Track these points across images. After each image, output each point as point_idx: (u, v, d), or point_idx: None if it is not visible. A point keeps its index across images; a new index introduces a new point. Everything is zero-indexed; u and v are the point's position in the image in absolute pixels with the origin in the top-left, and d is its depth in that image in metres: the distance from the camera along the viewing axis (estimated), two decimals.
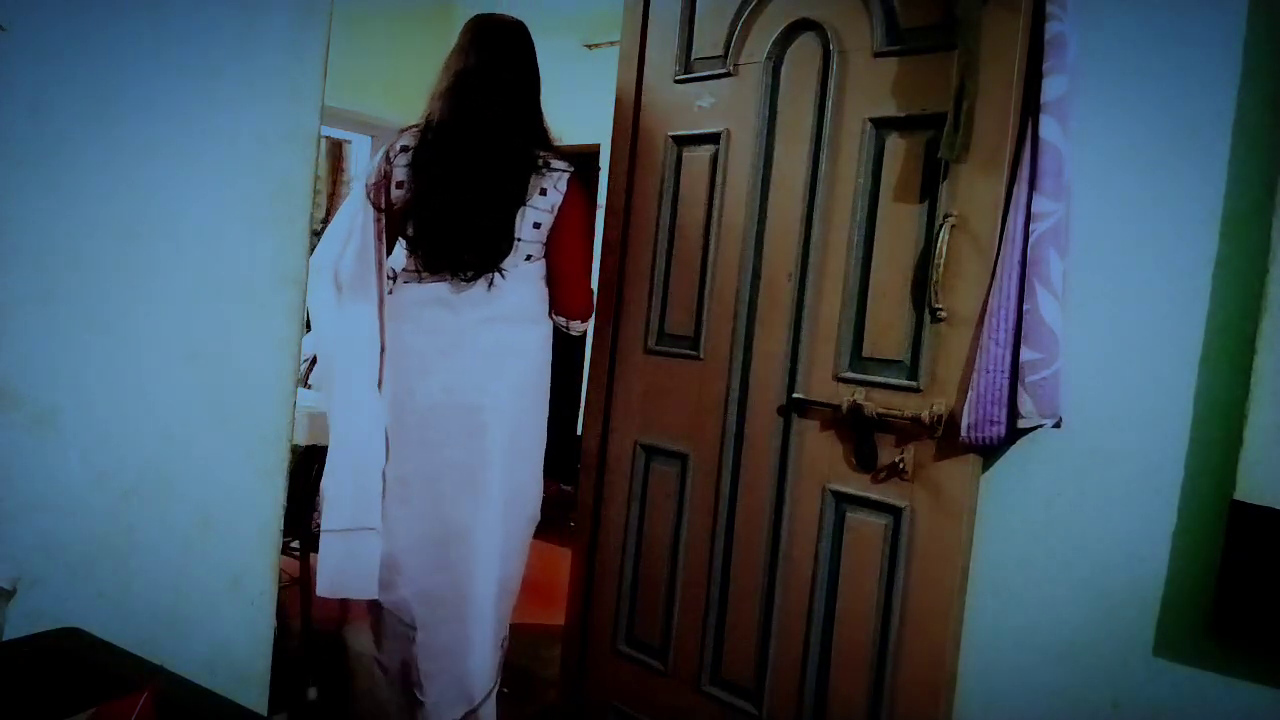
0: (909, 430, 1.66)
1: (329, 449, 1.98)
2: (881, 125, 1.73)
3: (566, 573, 2.28)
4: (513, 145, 1.95)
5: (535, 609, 2.95)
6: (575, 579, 2.25)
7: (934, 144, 1.63)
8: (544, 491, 2.17)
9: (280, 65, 1.49)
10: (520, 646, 2.66)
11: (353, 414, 1.98)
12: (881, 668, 1.70)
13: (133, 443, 1.37)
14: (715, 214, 1.98)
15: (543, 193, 1.97)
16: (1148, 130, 1.49)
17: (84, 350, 1.31)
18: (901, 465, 1.67)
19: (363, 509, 1.96)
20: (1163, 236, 1.47)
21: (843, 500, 1.77)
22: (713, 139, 1.99)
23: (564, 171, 1.99)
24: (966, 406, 1.55)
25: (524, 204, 1.95)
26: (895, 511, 1.69)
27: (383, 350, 2.00)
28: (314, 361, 2.76)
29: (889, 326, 1.71)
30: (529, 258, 2.00)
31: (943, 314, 1.62)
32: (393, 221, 2.02)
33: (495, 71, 1.98)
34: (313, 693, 2.56)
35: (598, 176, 3.90)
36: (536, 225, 1.97)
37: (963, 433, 1.56)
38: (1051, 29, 1.49)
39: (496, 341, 2.00)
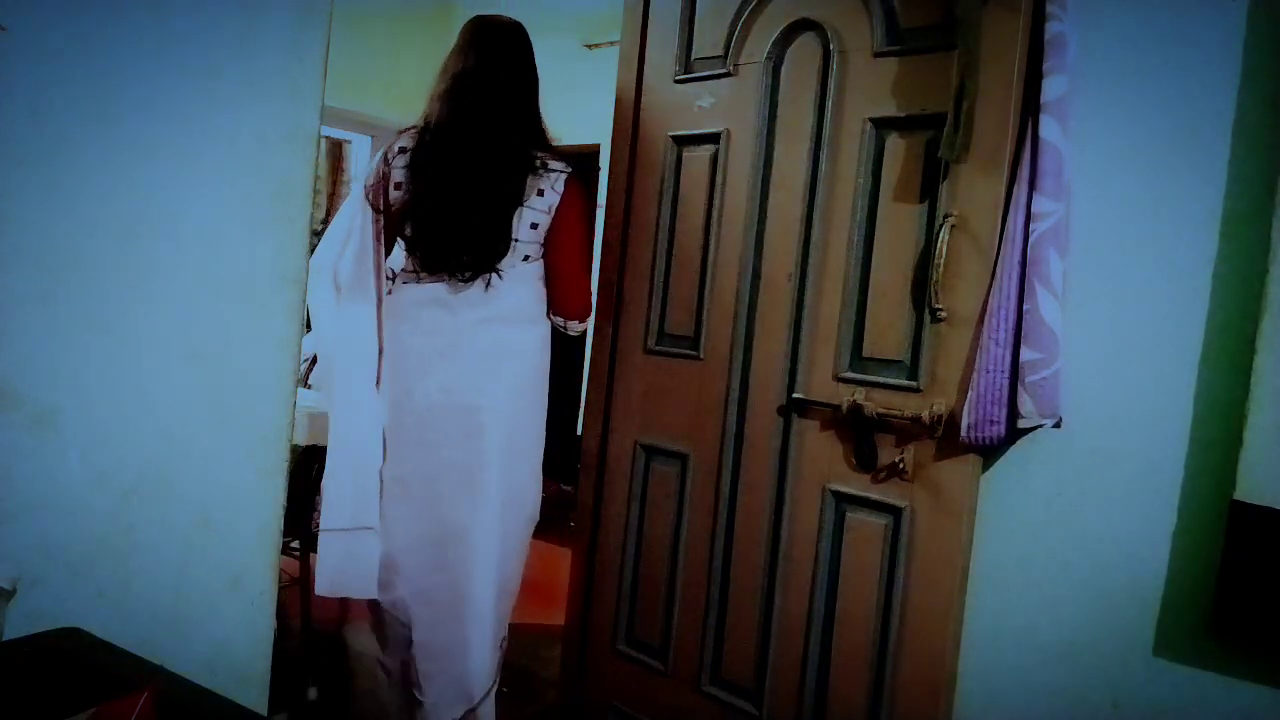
0: (909, 430, 1.66)
1: (328, 449, 1.99)
2: (881, 125, 1.73)
3: (566, 573, 2.28)
4: (510, 146, 1.96)
5: (535, 609, 2.95)
6: (575, 579, 2.25)
7: (934, 144, 1.63)
8: (544, 491, 2.17)
9: (280, 65, 1.49)
10: (520, 646, 2.66)
11: (351, 414, 1.99)
12: (881, 668, 1.70)
13: (133, 443, 1.37)
14: (715, 214, 1.98)
15: (540, 193, 1.97)
16: (1148, 130, 1.49)
17: (84, 350, 1.31)
18: (901, 465, 1.67)
19: (361, 509, 1.97)
20: (1163, 236, 1.47)
21: (843, 500, 1.77)
22: (713, 139, 1.99)
23: (561, 172, 1.99)
24: (966, 406, 1.55)
25: (521, 205, 1.95)
26: (895, 511, 1.69)
27: (381, 351, 2.01)
28: (314, 361, 2.77)
29: (889, 326, 1.71)
30: (527, 258, 2.00)
31: (943, 314, 1.62)
32: (391, 222, 2.02)
33: (493, 73, 1.98)
34: (313, 693, 2.56)
35: (598, 176, 3.90)
36: (534, 226, 1.98)
37: (963, 433, 1.56)
38: (1051, 29, 1.49)
39: (494, 342, 2.00)
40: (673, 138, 2.07)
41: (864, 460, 1.73)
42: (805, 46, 1.85)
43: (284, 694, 2.23)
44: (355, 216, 2.04)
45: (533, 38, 2.11)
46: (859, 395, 1.72)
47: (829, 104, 1.80)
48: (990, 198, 1.56)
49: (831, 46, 1.80)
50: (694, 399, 2.00)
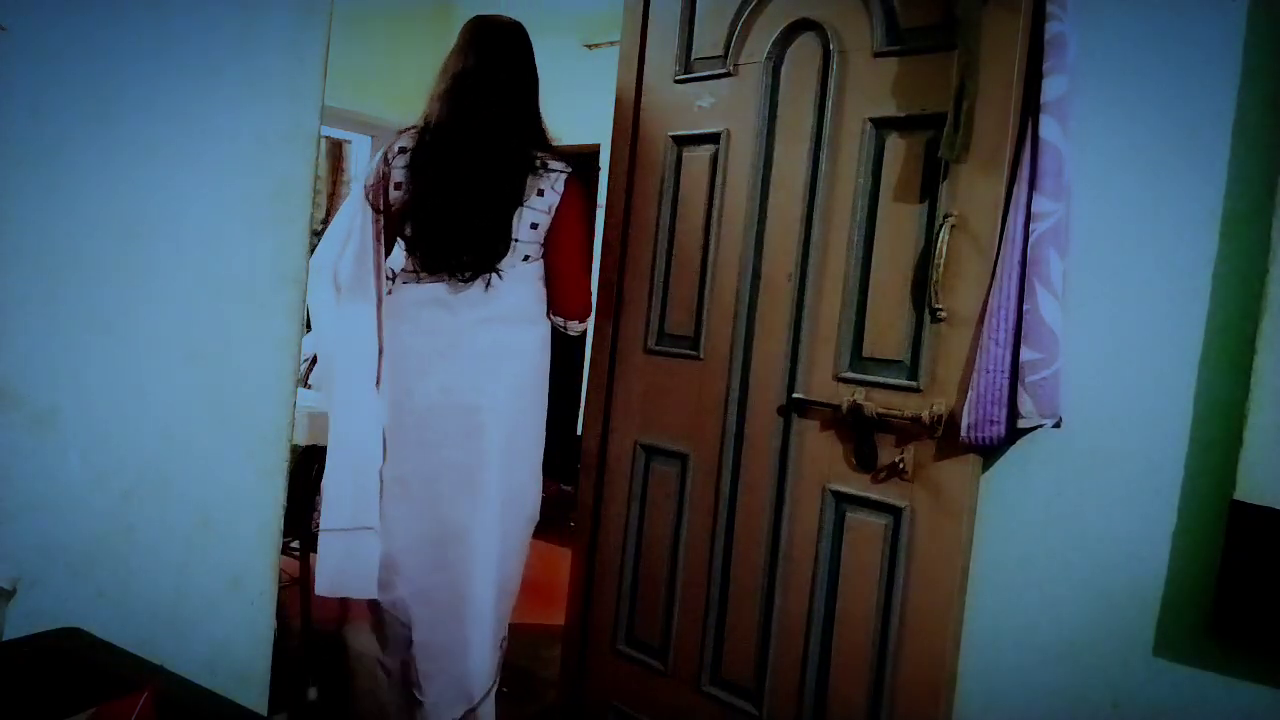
0: (909, 430, 1.66)
1: (328, 449, 1.99)
2: (881, 125, 1.73)
3: (566, 573, 2.28)
4: (510, 146, 1.96)
5: (535, 609, 2.95)
6: (575, 579, 2.25)
7: (934, 144, 1.63)
8: (544, 491, 2.17)
9: (280, 65, 1.49)
10: (520, 646, 2.66)
11: (351, 414, 1.99)
12: (881, 668, 1.70)
13: (133, 443, 1.37)
14: (715, 214, 1.98)
15: (540, 193, 1.97)
16: (1148, 130, 1.49)
17: (84, 350, 1.31)
18: (901, 465, 1.67)
19: (361, 509, 1.97)
20: (1163, 236, 1.47)
21: (843, 500, 1.77)
22: (713, 139, 1.99)
23: (561, 172, 1.99)
24: (966, 406, 1.55)
25: (521, 205, 1.95)
26: (895, 511, 1.69)
27: (380, 351, 2.01)
28: (314, 361, 2.77)
29: (889, 326, 1.71)
30: (527, 258, 2.00)
31: (943, 314, 1.62)
32: (391, 223, 2.02)
33: (493, 73, 1.98)
34: (313, 693, 2.56)
35: (598, 176, 3.90)
36: (534, 226, 1.98)
37: (963, 433, 1.56)
38: (1051, 29, 1.49)
39: (494, 342, 2.00)
40: (673, 138, 2.07)
41: (864, 460, 1.73)
42: (805, 46, 1.85)
43: (284, 694, 2.23)
44: (355, 216, 2.04)
45: (533, 38, 2.11)
46: (859, 395, 1.72)
47: (829, 104, 1.80)
48: (990, 198, 1.56)
49: (831, 46, 1.80)
50: (694, 399, 2.00)
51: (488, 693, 2.04)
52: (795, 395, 1.82)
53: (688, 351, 2.02)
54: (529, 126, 2.01)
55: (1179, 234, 1.45)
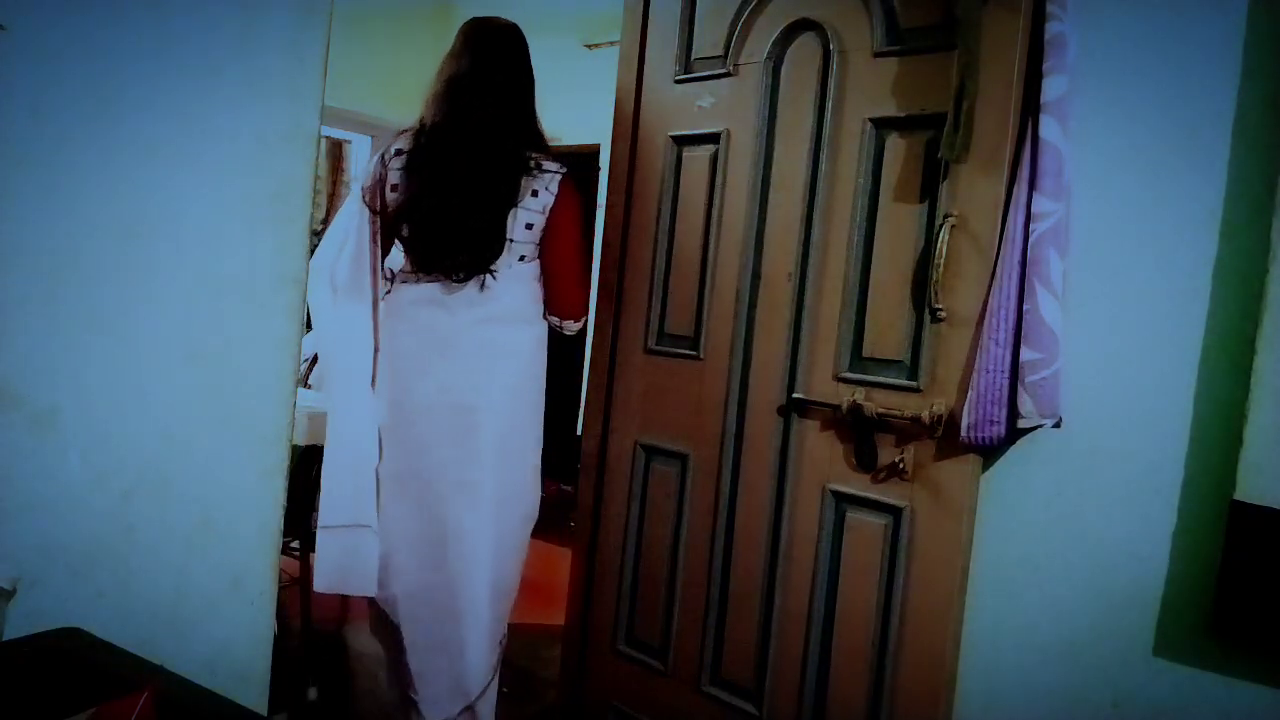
0: (909, 430, 1.66)
1: (325, 447, 2.00)
2: (881, 125, 1.73)
3: (566, 573, 2.28)
4: (504, 148, 1.97)
5: (535, 609, 2.96)
6: (575, 579, 2.25)
7: (934, 144, 1.63)
8: (544, 491, 2.17)
9: (280, 65, 1.49)
10: (520, 646, 2.66)
11: (348, 413, 2.01)
12: (881, 668, 1.70)
13: (133, 443, 1.37)
14: (715, 214, 1.98)
15: (534, 194, 1.97)
16: (1148, 130, 1.49)
17: (84, 350, 1.31)
18: (901, 465, 1.67)
19: (359, 507, 1.98)
20: (1163, 237, 1.47)
21: (843, 500, 1.77)
22: (713, 139, 1.99)
23: (556, 173, 2.00)
24: (966, 406, 1.55)
25: (516, 205, 1.96)
26: (895, 511, 1.69)
27: (376, 350, 2.02)
28: (314, 361, 2.77)
29: (889, 326, 1.71)
30: (522, 258, 2.01)
31: (943, 314, 1.62)
32: (388, 223, 2.03)
33: (488, 75, 2.00)
34: (313, 693, 2.56)
35: (598, 176, 3.91)
36: (529, 226, 1.98)
37: (963, 433, 1.56)
38: (1051, 29, 1.49)
39: (490, 342, 2.01)
40: (673, 138, 2.07)
41: (864, 460, 1.73)
42: (805, 46, 1.85)
43: (284, 694, 2.23)
44: (353, 217, 2.05)
45: (533, 38, 2.11)
46: (859, 395, 1.72)
47: (829, 104, 1.80)
48: (990, 198, 1.56)
49: (831, 46, 1.80)
50: (694, 399, 2.00)
51: (485, 690, 2.05)
52: (795, 395, 1.82)
53: (688, 351, 2.02)
54: (524, 128, 2.02)
55: (1179, 234, 1.45)
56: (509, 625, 2.17)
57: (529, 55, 2.08)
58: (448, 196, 1.94)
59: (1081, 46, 1.52)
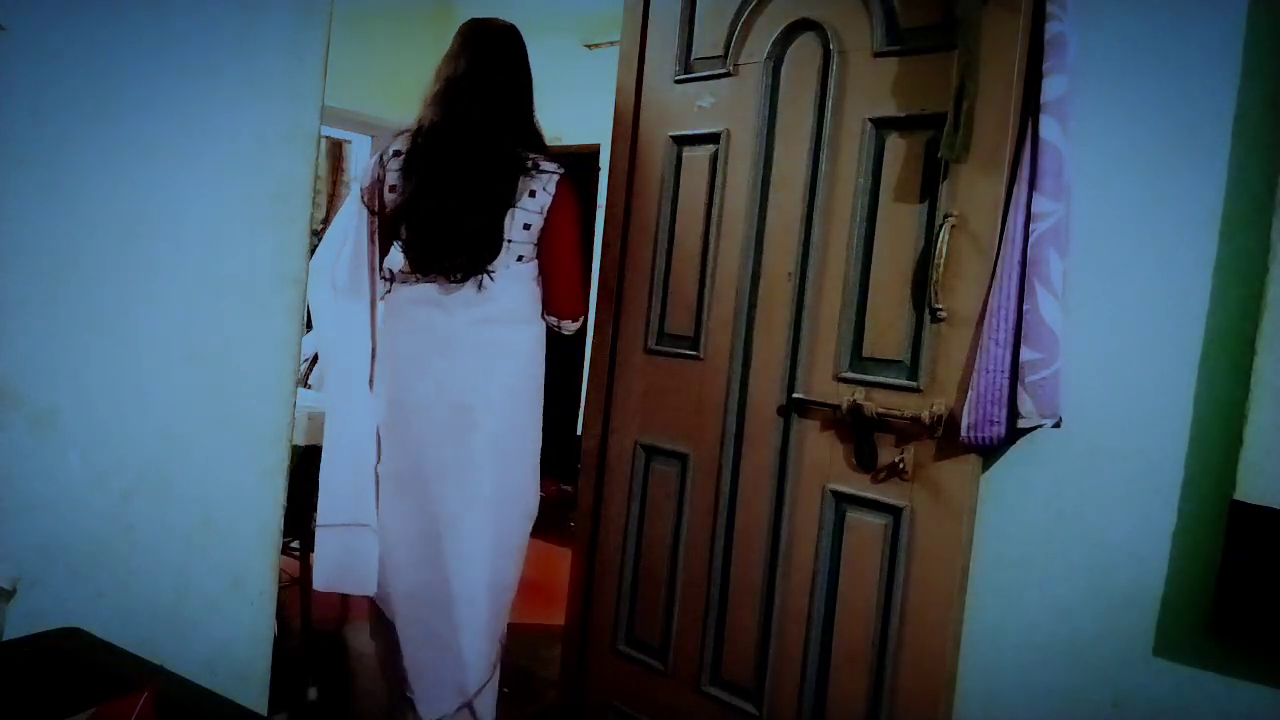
0: (909, 430, 1.66)
1: (324, 446, 2.01)
2: (881, 125, 1.73)
3: (566, 573, 2.28)
4: (502, 148, 1.97)
5: (535, 609, 2.96)
6: (575, 579, 2.25)
7: (934, 144, 1.63)
8: (544, 491, 2.18)
9: (280, 65, 1.49)
10: (520, 646, 2.66)
11: (346, 412, 2.02)
12: (881, 667, 1.70)
13: (133, 443, 1.37)
14: (715, 214, 1.98)
15: (532, 195, 1.98)
16: (1148, 130, 1.49)
17: (84, 350, 1.31)
18: (901, 465, 1.67)
19: (358, 505, 1.99)
20: (1163, 236, 1.47)
21: (843, 500, 1.77)
22: (713, 139, 1.99)
23: (553, 173, 2.00)
24: (966, 406, 1.55)
25: (513, 206, 1.97)
26: (895, 511, 1.69)
27: (374, 350, 2.03)
28: (314, 361, 2.77)
29: (889, 326, 1.71)
30: (520, 258, 2.01)
31: (943, 314, 1.62)
32: (386, 224, 2.04)
33: (485, 76, 2.00)
34: (313, 693, 2.56)
35: (598, 176, 3.90)
36: (526, 226, 1.99)
37: (963, 433, 1.56)
38: (1051, 29, 1.49)
39: (488, 342, 2.01)
40: (673, 138, 2.07)
41: (864, 460, 1.73)
42: (805, 46, 1.85)
43: (284, 694, 2.23)
44: (352, 218, 2.06)
45: (533, 38, 2.11)
46: (859, 395, 1.72)
47: (829, 104, 1.80)
48: (990, 198, 1.56)
49: (831, 46, 1.80)
50: (694, 399, 2.00)
51: (483, 687, 2.05)
52: (795, 395, 1.82)
53: (688, 351, 2.02)
54: (522, 128, 2.03)
55: (1179, 234, 1.45)
56: (509, 625, 2.17)
57: (527, 56, 2.08)
58: (445, 197, 1.95)
59: (1081, 46, 1.52)
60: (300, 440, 2.32)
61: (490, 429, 2.00)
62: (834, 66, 1.80)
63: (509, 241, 1.97)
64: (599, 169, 3.89)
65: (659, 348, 2.09)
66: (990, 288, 1.54)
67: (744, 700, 1.90)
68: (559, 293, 2.07)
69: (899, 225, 1.70)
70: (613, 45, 2.65)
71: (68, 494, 1.31)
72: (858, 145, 1.75)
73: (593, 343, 2.26)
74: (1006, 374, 1.51)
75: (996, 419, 1.52)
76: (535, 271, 2.06)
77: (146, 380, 1.38)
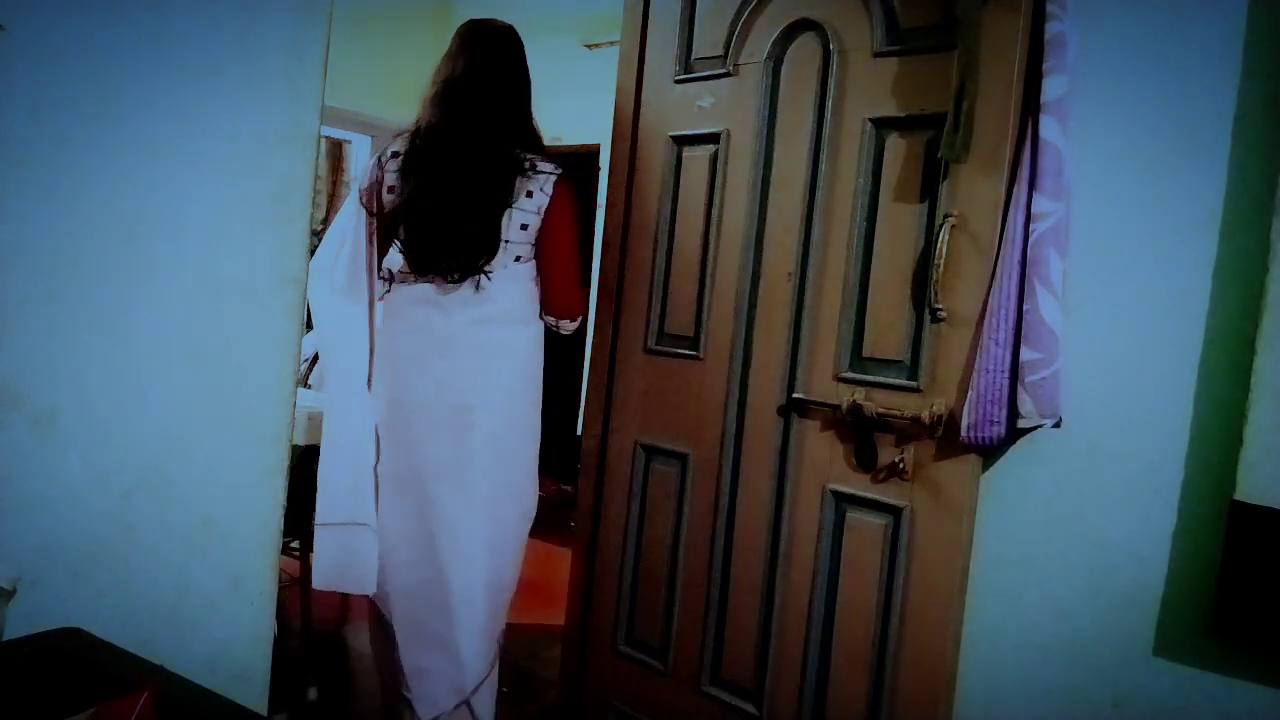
0: (909, 430, 1.66)
1: (322, 445, 2.01)
2: (881, 125, 1.73)
3: (566, 573, 2.28)
4: (500, 149, 1.97)
5: (535, 609, 2.96)
6: (575, 579, 2.25)
7: (934, 144, 1.63)
8: (543, 491, 2.18)
9: (280, 65, 1.49)
10: (520, 646, 2.67)
11: (345, 412, 2.02)
12: (881, 667, 1.70)
13: (133, 443, 1.37)
14: (715, 214, 1.98)
15: (529, 195, 1.98)
16: (1148, 130, 1.49)
17: (84, 350, 1.31)
18: (901, 465, 1.67)
19: (357, 505, 2.00)
20: (1163, 237, 1.47)
21: (843, 500, 1.77)
22: (713, 139, 1.99)
23: (551, 174, 2.01)
24: (966, 406, 1.55)
25: (510, 206, 1.97)
26: (895, 511, 1.69)
27: (372, 350, 2.03)
28: (314, 361, 2.77)
29: (889, 326, 1.71)
30: (518, 259, 2.01)
31: (943, 314, 1.62)
32: (384, 225, 2.04)
33: (483, 77, 2.00)
34: (313, 693, 2.56)
35: (598, 176, 3.90)
36: (524, 227, 1.99)
37: (963, 433, 1.56)
38: (1051, 29, 1.49)
39: (486, 342, 2.02)
40: (673, 138, 2.07)
41: (864, 460, 1.73)
42: (805, 46, 1.85)
43: (284, 694, 2.23)
44: (352, 218, 2.06)
45: (532, 38, 2.12)
46: (859, 395, 1.72)
47: (829, 104, 1.80)
48: (990, 198, 1.56)
49: (831, 46, 1.80)
50: (694, 399, 2.00)
51: (480, 685, 2.05)
52: (795, 395, 1.82)
53: (688, 351, 2.02)
54: (520, 129, 2.03)
55: (1179, 234, 1.45)
56: (509, 624, 2.17)
57: (525, 57, 2.09)
58: (443, 198, 1.95)
59: (1081, 46, 1.52)
60: (300, 440, 2.32)
61: (489, 429, 2.01)
62: (834, 66, 1.80)
63: (506, 242, 1.98)
64: (599, 169, 3.89)
65: (659, 348, 2.09)
66: (990, 288, 1.54)
67: (744, 700, 1.90)
68: (556, 293, 2.07)
69: (899, 225, 1.70)
70: (613, 45, 2.66)
71: (68, 494, 1.31)
72: (858, 145, 1.75)
73: (593, 343, 2.26)
74: (1006, 374, 1.51)
75: (996, 419, 1.52)
76: (533, 272, 2.06)
77: (146, 380, 1.38)
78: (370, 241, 2.04)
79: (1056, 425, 1.53)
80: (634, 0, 2.17)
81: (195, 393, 1.44)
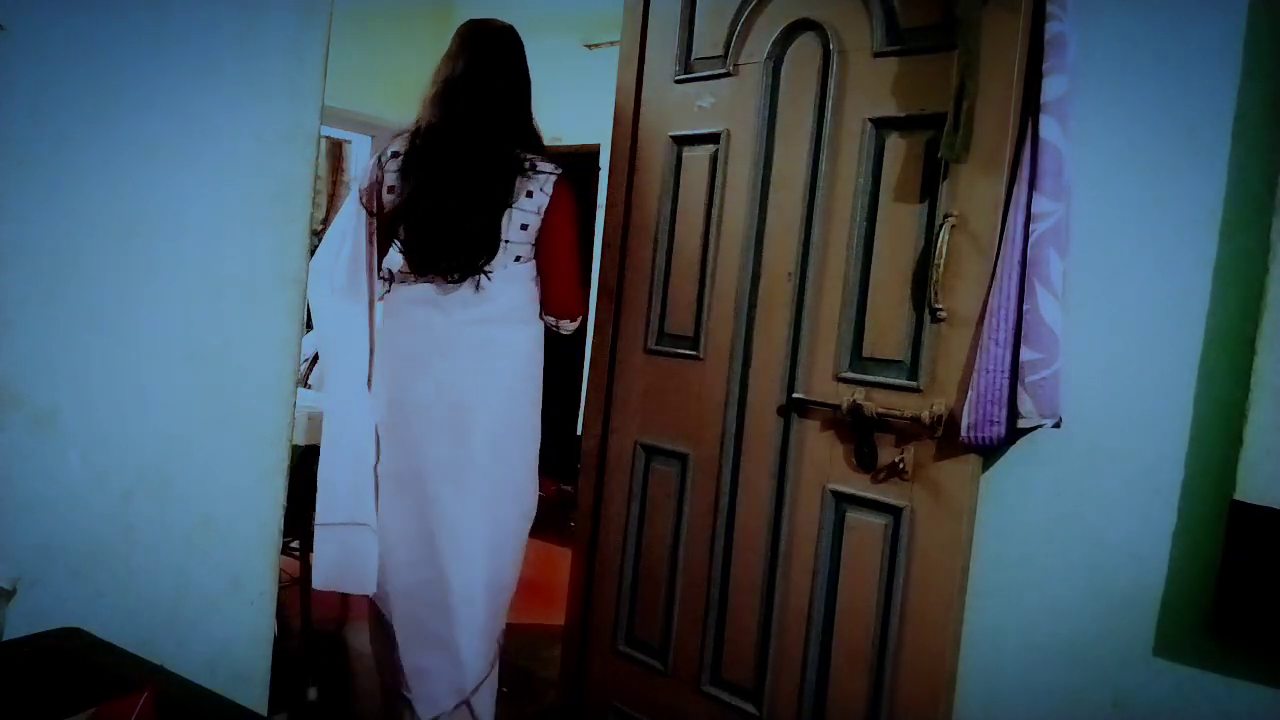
0: (909, 430, 1.66)
1: (322, 445, 2.01)
2: (881, 125, 1.73)
3: (566, 573, 2.28)
4: (499, 149, 1.97)
5: (535, 609, 2.96)
6: (575, 579, 2.25)
7: (934, 144, 1.63)
8: (543, 491, 2.18)
9: (280, 65, 1.49)
10: (520, 646, 2.66)
11: (345, 412, 2.02)
12: (881, 667, 1.70)
13: (133, 443, 1.37)
14: (715, 214, 1.98)
15: (529, 195, 1.98)
16: (1148, 130, 1.49)
17: (84, 350, 1.31)
18: (901, 465, 1.67)
19: (356, 505, 2.00)
20: (1163, 237, 1.47)
21: (843, 500, 1.77)
22: (713, 139, 1.99)
23: (551, 174, 2.01)
24: (966, 406, 1.55)
25: (510, 206, 1.97)
26: (895, 511, 1.69)
27: (372, 350, 2.03)
28: (314, 361, 2.77)
29: (889, 326, 1.71)
30: (518, 259, 2.01)
31: (943, 314, 1.62)
32: (384, 225, 2.04)
33: (483, 77, 2.00)
34: (313, 693, 2.56)
35: (598, 176, 3.91)
36: (524, 227, 1.99)
37: (963, 433, 1.56)
38: (1051, 29, 1.49)
39: (486, 342, 2.02)
40: (673, 138, 2.07)
41: (864, 460, 1.73)
42: (805, 46, 1.85)
43: (284, 694, 2.23)
44: (352, 218, 2.06)
45: (532, 38, 2.12)
46: (859, 395, 1.72)
47: (829, 104, 1.80)
48: (990, 198, 1.56)
49: (831, 46, 1.80)
50: (694, 399, 2.00)
51: (480, 685, 2.05)
52: (795, 395, 1.82)
53: (688, 351, 2.02)
54: (519, 129, 2.03)
55: (1179, 234, 1.45)
56: (509, 625, 2.17)
57: (525, 57, 2.09)
58: (443, 198, 1.96)
59: (1081, 46, 1.52)
60: (300, 440, 2.32)
61: (488, 429, 2.01)
62: (834, 66, 1.80)
63: (506, 242, 1.98)
64: (599, 169, 3.89)
65: (659, 348, 2.09)
66: (990, 288, 1.54)
67: (744, 700, 1.90)
68: (556, 293, 2.07)
69: (899, 225, 1.70)
70: (613, 45, 2.65)
71: (68, 494, 1.31)
72: (858, 145, 1.75)
73: (593, 343, 2.26)
74: (1006, 374, 1.51)
75: (996, 419, 1.52)
76: (533, 272, 2.06)
77: (146, 380, 1.38)
78: (370, 241, 2.04)
79: (1056, 425, 1.53)
80: (634, 0, 2.17)
81: (195, 393, 1.44)
